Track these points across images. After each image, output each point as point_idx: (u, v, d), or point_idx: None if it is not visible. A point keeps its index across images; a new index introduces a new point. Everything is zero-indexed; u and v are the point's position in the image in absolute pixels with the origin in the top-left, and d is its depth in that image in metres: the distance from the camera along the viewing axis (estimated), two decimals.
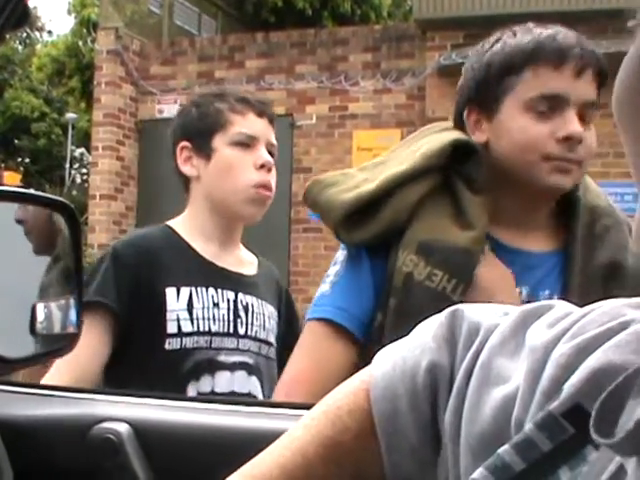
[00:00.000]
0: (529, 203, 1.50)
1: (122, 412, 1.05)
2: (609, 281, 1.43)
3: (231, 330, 1.93)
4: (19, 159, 25.31)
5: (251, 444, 0.94)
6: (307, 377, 1.45)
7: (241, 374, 1.92)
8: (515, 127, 1.45)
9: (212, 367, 1.88)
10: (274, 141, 2.03)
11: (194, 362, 1.85)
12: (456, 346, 0.77)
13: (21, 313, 1.06)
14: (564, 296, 1.41)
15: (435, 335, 0.79)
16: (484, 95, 1.49)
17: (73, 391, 1.17)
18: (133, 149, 11.57)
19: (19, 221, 1.11)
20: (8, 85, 24.23)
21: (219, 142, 1.98)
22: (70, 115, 20.70)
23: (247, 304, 1.98)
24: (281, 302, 2.12)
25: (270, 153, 2.01)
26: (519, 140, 1.44)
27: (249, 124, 1.99)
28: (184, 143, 2.03)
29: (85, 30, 14.74)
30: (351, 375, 1.49)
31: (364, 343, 1.45)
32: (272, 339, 2.03)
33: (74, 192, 18.69)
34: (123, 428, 1.01)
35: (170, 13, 13.05)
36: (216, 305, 1.91)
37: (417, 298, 1.41)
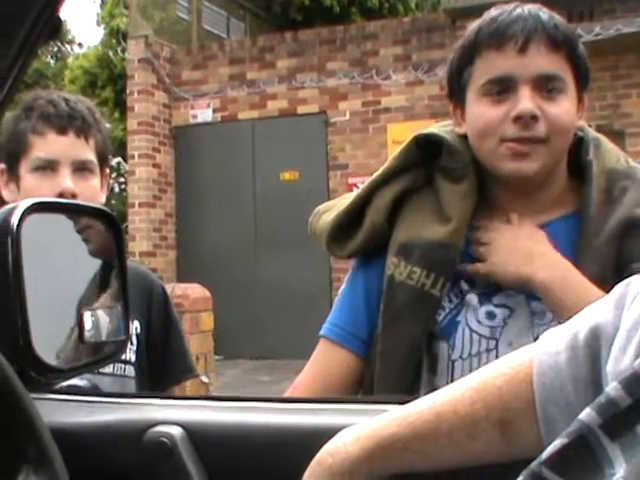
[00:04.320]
0: (511, 190, 1.49)
1: (175, 415, 1.05)
2: (626, 237, 1.42)
3: None
4: None
5: (305, 441, 0.94)
6: (305, 387, 1.54)
7: None
8: (474, 114, 1.47)
9: None
10: (88, 156, 1.85)
11: None
12: (623, 308, 0.77)
13: (69, 322, 1.07)
14: (578, 258, 1.42)
15: (605, 301, 0.80)
16: (455, 88, 1.53)
17: (126, 397, 1.18)
18: (169, 155, 11.64)
19: (65, 231, 1.12)
20: None
21: (23, 168, 1.84)
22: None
23: None
24: (151, 307, 1.97)
25: (85, 169, 1.84)
26: (478, 126, 1.46)
27: (47, 146, 1.82)
28: (1, 166, 1.90)
29: (115, 40, 14.83)
30: (352, 385, 1.54)
31: (365, 356, 1.52)
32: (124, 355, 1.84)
33: (113, 201, 18.82)
34: (176, 431, 1.01)
35: (198, 18, 13.12)
36: None
37: (399, 298, 1.47)
